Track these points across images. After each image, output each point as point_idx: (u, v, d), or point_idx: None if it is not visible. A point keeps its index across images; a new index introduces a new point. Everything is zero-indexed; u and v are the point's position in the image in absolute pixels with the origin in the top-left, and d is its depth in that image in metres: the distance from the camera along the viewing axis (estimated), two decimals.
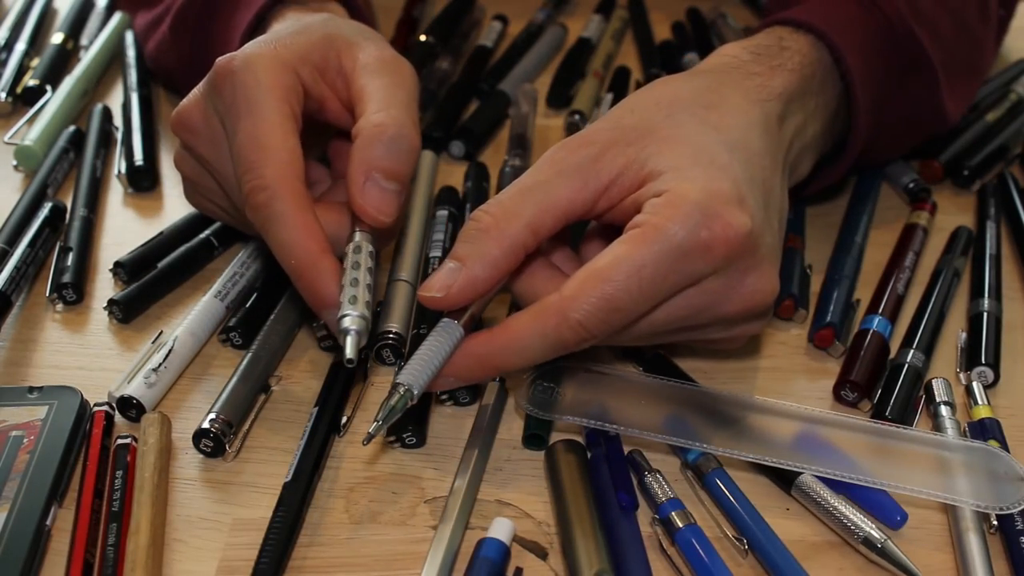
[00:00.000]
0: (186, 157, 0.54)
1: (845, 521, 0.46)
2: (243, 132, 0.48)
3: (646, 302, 0.45)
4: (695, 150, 0.47)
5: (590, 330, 0.44)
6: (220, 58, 0.51)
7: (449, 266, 0.46)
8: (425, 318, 0.56)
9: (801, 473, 0.48)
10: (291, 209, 0.47)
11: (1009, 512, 0.46)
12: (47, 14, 0.87)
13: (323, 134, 0.57)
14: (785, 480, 0.48)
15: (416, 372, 0.46)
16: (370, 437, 0.45)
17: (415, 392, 0.45)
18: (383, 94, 0.50)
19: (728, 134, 0.49)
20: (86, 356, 0.56)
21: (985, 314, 0.58)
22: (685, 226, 0.45)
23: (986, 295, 0.59)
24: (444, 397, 0.53)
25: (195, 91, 0.52)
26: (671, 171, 0.47)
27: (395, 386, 0.46)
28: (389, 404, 0.45)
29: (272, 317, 0.56)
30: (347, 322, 0.46)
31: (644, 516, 0.48)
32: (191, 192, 0.57)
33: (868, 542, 0.45)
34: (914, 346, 0.56)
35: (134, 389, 0.52)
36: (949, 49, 0.63)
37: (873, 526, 0.45)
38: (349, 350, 0.46)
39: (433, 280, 0.46)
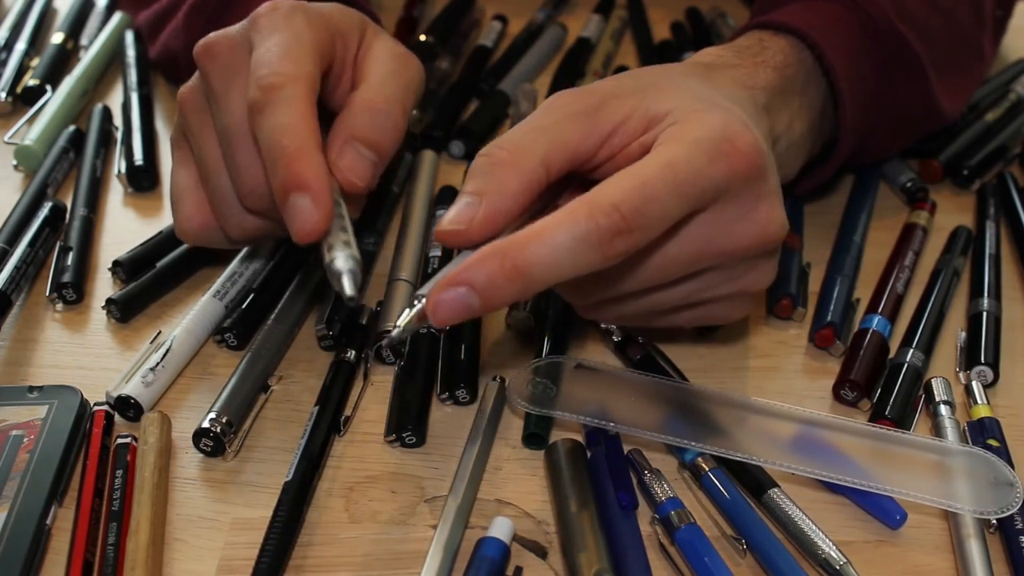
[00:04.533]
0: (187, 117, 0.52)
1: (805, 539, 0.45)
2: (271, 42, 0.48)
3: (679, 198, 0.43)
4: (698, 96, 0.48)
5: (627, 217, 0.41)
6: (267, 2, 0.50)
7: (465, 200, 0.44)
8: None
9: (775, 487, 0.48)
10: (302, 99, 0.46)
11: (1000, 516, 0.46)
12: (47, 14, 0.87)
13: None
14: (757, 489, 0.48)
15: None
16: (390, 341, 0.43)
17: None
18: (382, 78, 0.51)
19: (724, 93, 0.50)
20: (86, 356, 0.56)
21: (984, 314, 0.58)
22: (708, 137, 0.45)
23: (985, 295, 0.60)
24: (444, 397, 0.53)
25: (229, 28, 0.51)
26: (679, 108, 0.47)
27: (415, 297, 0.43)
28: (410, 313, 0.42)
29: (272, 317, 0.56)
30: (339, 262, 0.43)
31: (644, 516, 0.48)
32: (177, 169, 0.54)
33: (827, 563, 0.45)
34: (914, 345, 0.56)
35: (131, 389, 0.52)
36: (939, 46, 0.63)
37: (833, 547, 0.45)
38: (348, 287, 0.43)
39: (450, 214, 0.44)
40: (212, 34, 0.51)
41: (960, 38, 0.67)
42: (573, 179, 0.49)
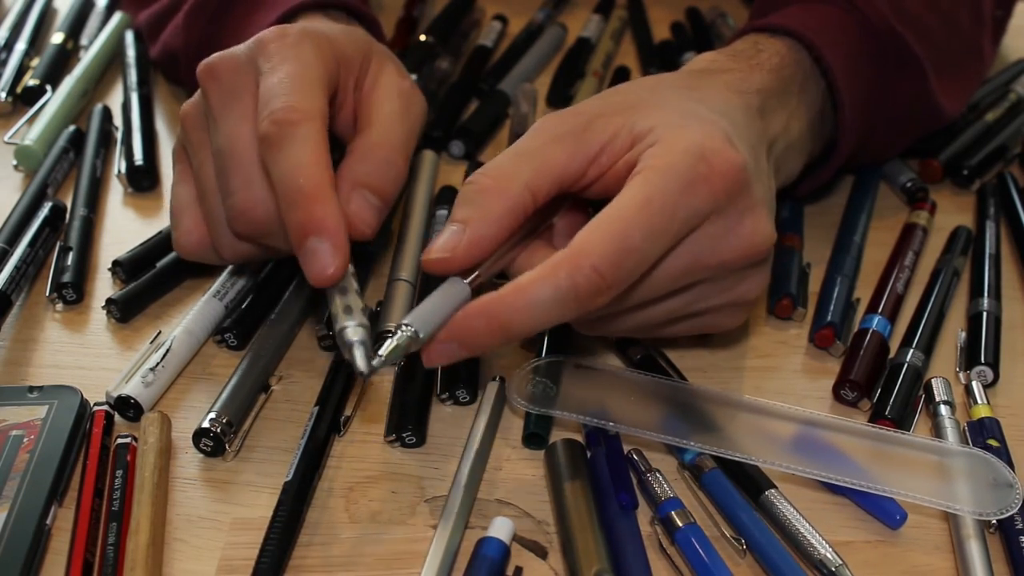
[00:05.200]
0: (188, 133, 0.53)
1: (802, 541, 0.45)
2: (283, 73, 0.48)
3: (658, 239, 0.44)
4: (682, 112, 0.48)
5: (605, 276, 0.42)
6: (274, 27, 0.51)
7: (452, 228, 0.45)
8: None
9: (772, 488, 0.48)
10: (317, 138, 0.46)
11: (999, 517, 0.46)
12: (47, 14, 0.87)
13: None
14: (755, 490, 0.48)
15: (422, 317, 0.43)
16: (370, 373, 0.43)
17: (421, 335, 0.43)
18: (388, 120, 0.51)
19: (712, 105, 0.50)
20: (86, 356, 0.56)
21: (984, 314, 0.58)
22: (684, 161, 0.45)
23: (985, 295, 0.60)
24: (444, 397, 0.53)
25: (234, 49, 0.51)
26: (661, 126, 0.47)
27: (399, 326, 0.43)
28: (393, 343, 0.43)
29: (272, 316, 0.56)
30: (350, 333, 0.44)
31: (644, 515, 0.48)
32: (177, 183, 0.55)
33: (823, 564, 0.44)
34: (914, 345, 0.56)
35: (131, 389, 0.52)
36: (939, 47, 0.63)
37: (830, 549, 0.45)
38: (360, 362, 0.43)
39: (436, 242, 0.45)
40: (216, 54, 0.51)
41: (960, 38, 0.67)
42: (568, 196, 0.49)
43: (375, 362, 0.43)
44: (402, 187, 0.51)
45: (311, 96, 0.48)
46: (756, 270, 0.50)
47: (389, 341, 0.43)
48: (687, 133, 0.46)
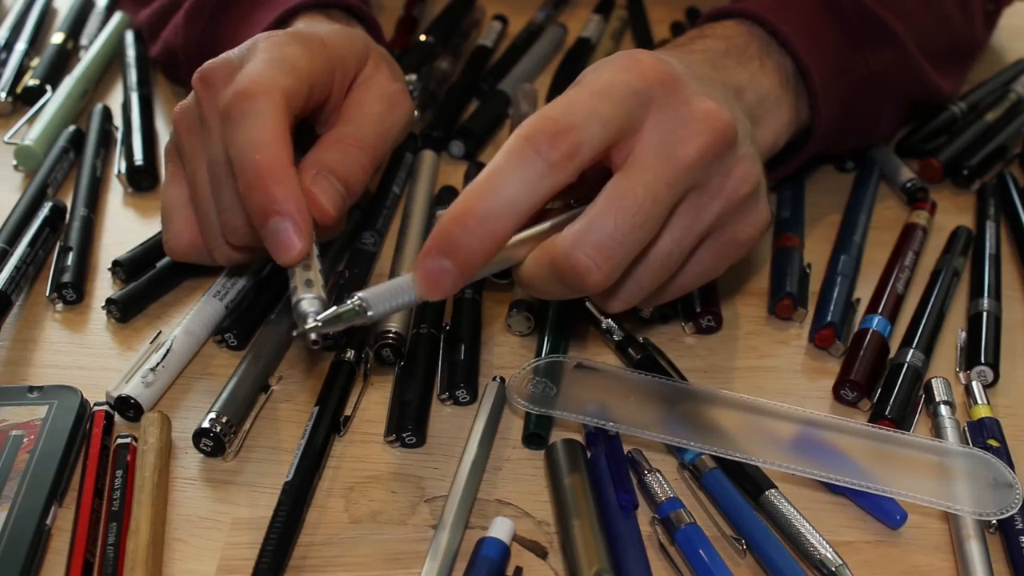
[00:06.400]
0: (181, 137, 0.53)
1: (802, 541, 0.45)
2: (258, 59, 0.48)
3: (606, 101, 0.44)
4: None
5: (557, 119, 0.43)
6: (268, 31, 0.51)
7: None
8: (425, 318, 0.56)
9: (772, 488, 0.48)
10: (276, 113, 0.46)
11: (999, 518, 0.46)
12: (47, 14, 0.87)
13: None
14: (755, 490, 0.48)
15: (378, 295, 0.43)
16: (302, 332, 0.43)
17: (369, 312, 0.42)
18: (365, 117, 0.52)
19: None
20: (86, 356, 0.56)
21: (984, 314, 0.58)
22: (614, 61, 0.46)
23: (985, 295, 0.60)
24: (444, 397, 0.53)
25: (229, 54, 0.51)
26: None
27: (351, 297, 0.43)
28: (337, 311, 0.42)
29: (272, 316, 0.56)
30: (305, 305, 0.44)
31: (644, 515, 0.48)
32: (168, 185, 0.55)
33: (823, 564, 0.45)
34: (914, 346, 0.56)
35: (132, 389, 0.52)
36: (918, 24, 0.63)
37: (830, 549, 0.45)
38: (312, 333, 0.43)
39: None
40: (210, 61, 0.51)
41: (943, 18, 0.67)
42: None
43: (308, 324, 0.43)
44: (366, 184, 0.51)
45: (277, 75, 0.48)
46: (738, 160, 0.47)
47: (333, 308, 0.42)
48: (619, 53, 0.47)
